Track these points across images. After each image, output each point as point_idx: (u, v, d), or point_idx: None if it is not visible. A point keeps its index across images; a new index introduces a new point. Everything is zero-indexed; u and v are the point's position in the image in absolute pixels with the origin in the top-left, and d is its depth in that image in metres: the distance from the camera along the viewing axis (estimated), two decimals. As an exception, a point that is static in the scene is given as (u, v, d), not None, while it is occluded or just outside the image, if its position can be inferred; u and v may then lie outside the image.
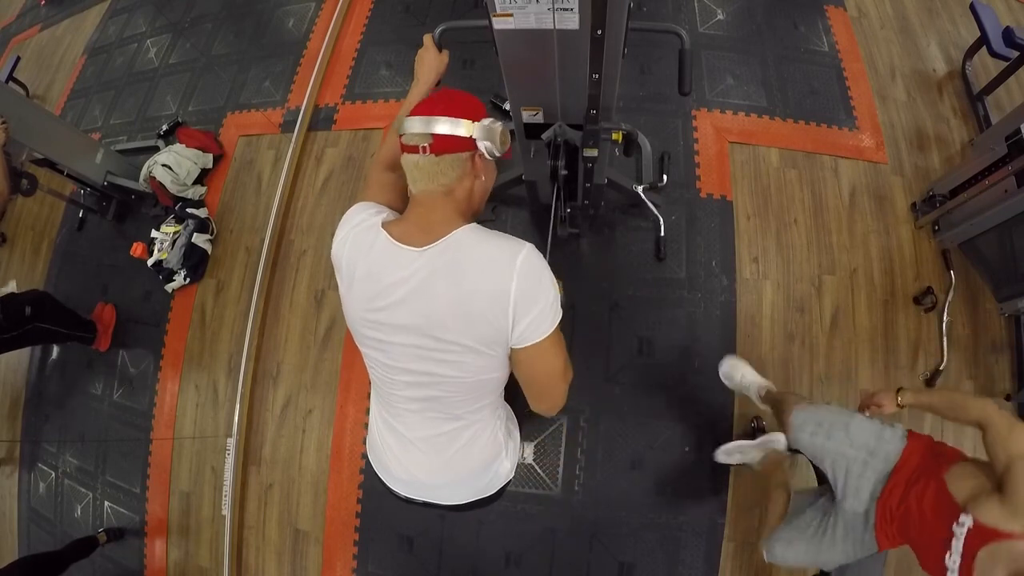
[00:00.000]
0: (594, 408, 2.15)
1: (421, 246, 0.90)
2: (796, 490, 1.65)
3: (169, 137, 3.14)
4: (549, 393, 1.01)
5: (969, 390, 2.13)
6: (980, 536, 1.05)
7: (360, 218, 1.00)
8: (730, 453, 1.83)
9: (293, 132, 2.83)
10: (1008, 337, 2.18)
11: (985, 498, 1.09)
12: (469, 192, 0.96)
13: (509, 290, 0.86)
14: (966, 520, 1.09)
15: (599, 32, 1.07)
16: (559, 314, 0.93)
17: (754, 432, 2.00)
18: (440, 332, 0.90)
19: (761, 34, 2.77)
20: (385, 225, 0.95)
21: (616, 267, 2.32)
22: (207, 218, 2.80)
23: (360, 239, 0.97)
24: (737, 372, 1.97)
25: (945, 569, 1.10)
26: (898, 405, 1.39)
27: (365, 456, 2.26)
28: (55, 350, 2.97)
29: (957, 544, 1.09)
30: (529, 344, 0.91)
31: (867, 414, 1.44)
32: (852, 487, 1.35)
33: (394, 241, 0.92)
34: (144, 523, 2.53)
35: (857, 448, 1.35)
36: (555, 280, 0.94)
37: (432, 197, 0.92)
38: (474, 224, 0.94)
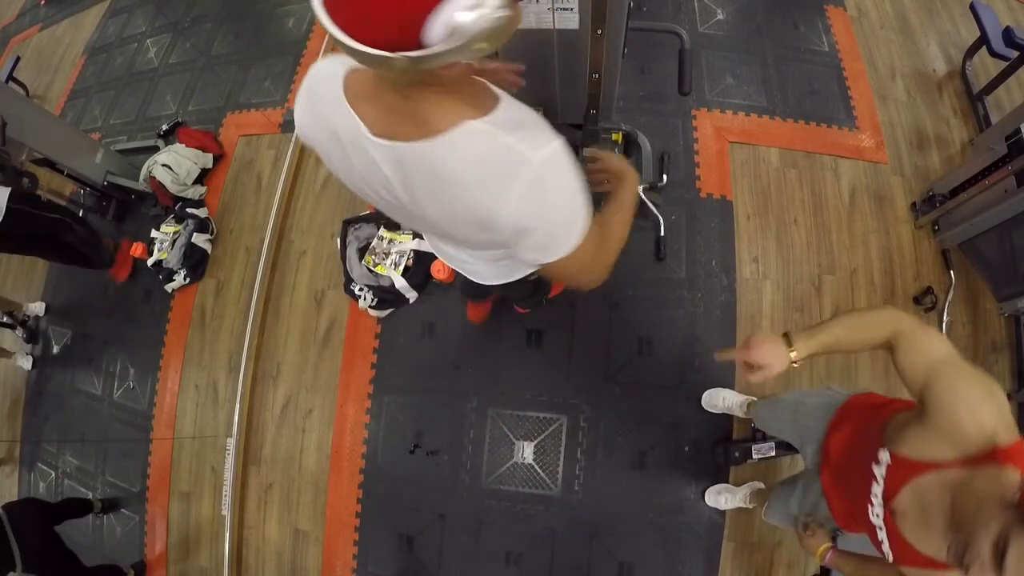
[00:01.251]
0: (594, 408, 2.15)
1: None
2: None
3: (169, 137, 3.13)
4: (588, 277, 0.88)
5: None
6: (900, 472, 0.86)
7: None
8: (719, 493, 1.98)
9: (293, 132, 2.83)
10: (1008, 337, 2.18)
11: (904, 427, 0.89)
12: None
13: (501, 214, 0.69)
14: (884, 456, 0.88)
15: (599, 32, 1.07)
16: (580, 222, 0.74)
17: (754, 433, 1.99)
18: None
19: (761, 34, 2.77)
20: None
21: (616, 267, 2.31)
22: (207, 218, 2.80)
23: None
24: (718, 398, 2.04)
25: (874, 528, 0.90)
26: (793, 362, 0.99)
27: (365, 456, 2.26)
28: (55, 348, 2.97)
29: (877, 489, 0.89)
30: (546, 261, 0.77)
31: (747, 379, 1.06)
32: (808, 451, 1.31)
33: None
34: (144, 523, 2.53)
35: (812, 413, 1.32)
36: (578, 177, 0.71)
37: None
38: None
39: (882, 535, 0.89)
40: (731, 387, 2.09)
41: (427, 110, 0.66)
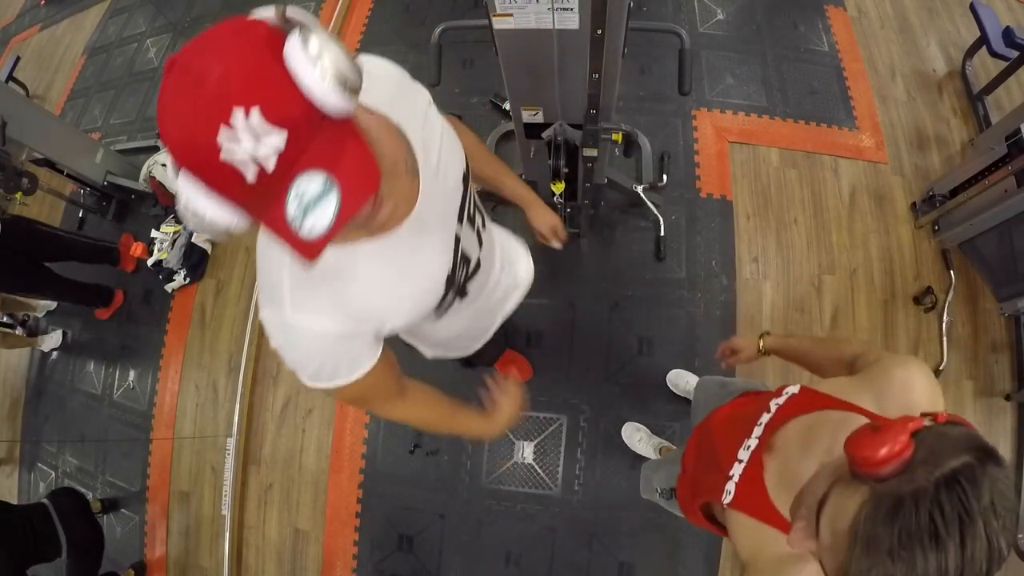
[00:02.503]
0: (594, 408, 2.14)
1: None
2: None
3: (169, 137, 3.13)
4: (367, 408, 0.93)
5: (969, 390, 2.13)
6: (804, 402, 0.80)
7: None
8: (636, 430, 2.06)
9: (293, 132, 2.83)
10: (1008, 337, 2.18)
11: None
12: None
13: None
14: (792, 388, 0.85)
15: (599, 32, 1.07)
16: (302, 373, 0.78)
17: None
18: None
19: (761, 34, 2.77)
20: None
21: (616, 267, 2.32)
22: (207, 218, 2.80)
23: None
24: (682, 380, 2.08)
25: (724, 479, 0.82)
26: (760, 351, 1.17)
27: (365, 456, 2.26)
28: (54, 352, 2.97)
29: (765, 418, 0.83)
30: None
31: (724, 364, 1.28)
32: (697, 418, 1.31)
33: None
34: (144, 523, 2.53)
35: (732, 392, 1.31)
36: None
37: None
38: None
39: (733, 475, 0.81)
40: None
41: None
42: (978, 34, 2.48)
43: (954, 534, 0.44)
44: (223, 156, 0.41)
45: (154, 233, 2.80)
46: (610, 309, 2.25)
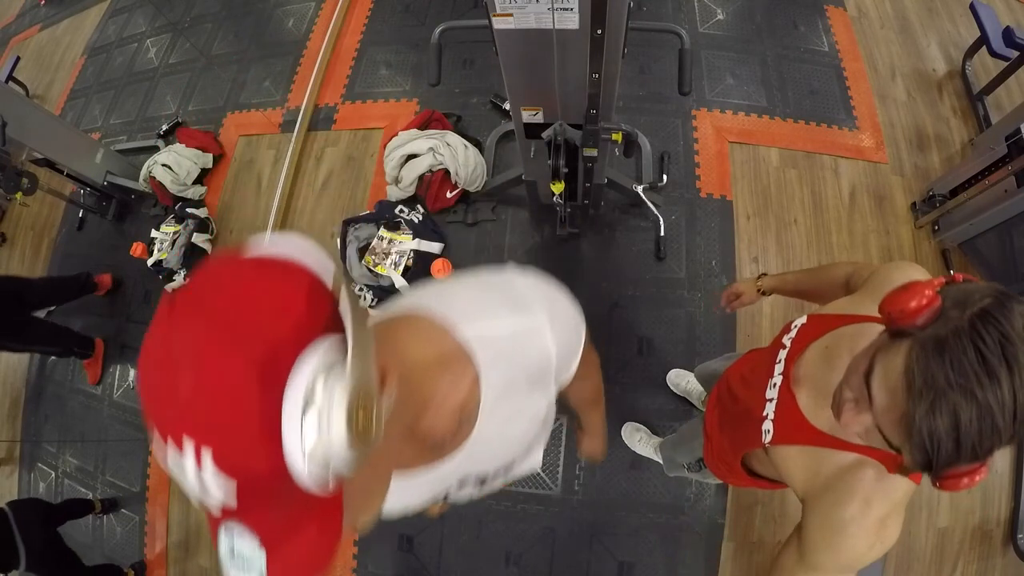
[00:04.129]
0: (594, 408, 2.14)
1: None
2: None
3: (169, 137, 3.14)
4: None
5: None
6: (815, 327, 0.83)
7: None
8: (636, 430, 2.07)
9: (293, 132, 2.83)
10: (1008, 337, 2.18)
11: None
12: None
13: None
14: (799, 320, 0.87)
15: (599, 32, 1.07)
16: None
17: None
18: None
19: (761, 34, 2.77)
20: None
21: (616, 267, 2.32)
22: (207, 218, 2.80)
23: None
24: (683, 380, 2.09)
25: (759, 426, 0.82)
26: (759, 291, 1.23)
27: (365, 456, 2.26)
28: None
29: (783, 354, 0.85)
30: None
31: (728, 309, 1.33)
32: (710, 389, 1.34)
33: None
34: (144, 523, 2.53)
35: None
36: None
37: None
38: None
39: (767, 415, 0.82)
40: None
41: None
42: (978, 34, 2.48)
43: (1000, 359, 0.47)
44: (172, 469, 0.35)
45: (154, 233, 2.80)
46: (610, 309, 2.25)
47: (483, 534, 2.10)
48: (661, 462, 1.91)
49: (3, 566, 2.03)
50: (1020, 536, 1.99)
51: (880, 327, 0.63)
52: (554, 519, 2.07)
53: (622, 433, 2.09)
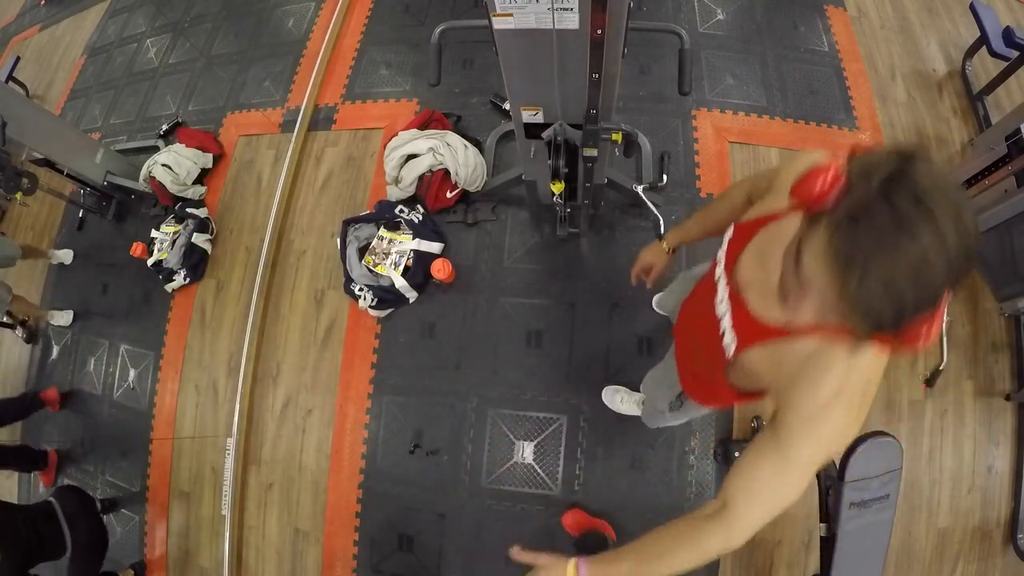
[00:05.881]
0: (594, 408, 2.14)
1: None
2: None
3: (169, 137, 3.14)
4: None
5: (968, 390, 2.13)
6: (742, 235, 0.86)
7: None
8: (615, 392, 2.08)
9: (293, 132, 2.83)
10: (1008, 337, 2.18)
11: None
12: None
13: None
14: (728, 232, 0.90)
15: (599, 32, 1.07)
16: None
17: (754, 433, 1.99)
18: None
19: (761, 34, 2.77)
20: None
21: (616, 267, 2.32)
22: (207, 218, 2.80)
23: None
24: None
25: (717, 332, 0.86)
26: (668, 252, 1.30)
27: (365, 456, 2.26)
28: (55, 350, 2.97)
29: (720, 258, 0.88)
30: None
31: (649, 285, 1.38)
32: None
33: None
34: (144, 523, 2.53)
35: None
36: None
37: None
38: None
39: (724, 329, 0.85)
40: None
41: None
42: (978, 34, 2.48)
43: (916, 216, 0.49)
44: None
45: (154, 233, 2.80)
46: (610, 309, 2.25)
47: (483, 534, 2.10)
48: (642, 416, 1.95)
49: (51, 555, 2.09)
50: (1020, 536, 1.99)
51: (798, 216, 0.66)
52: (554, 519, 2.07)
53: (603, 398, 2.11)
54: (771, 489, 0.73)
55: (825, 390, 0.69)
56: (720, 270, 0.88)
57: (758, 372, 0.80)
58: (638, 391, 2.04)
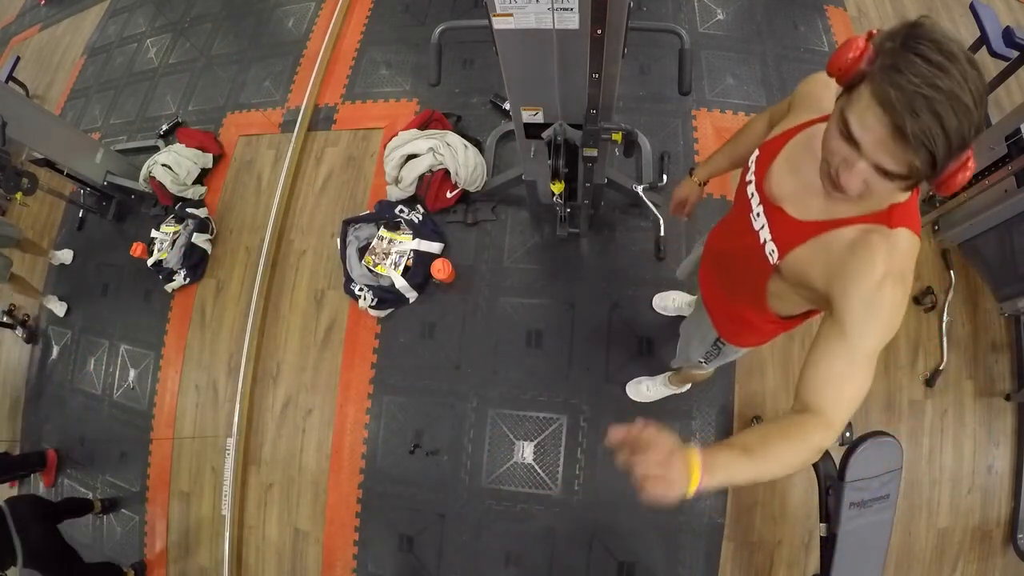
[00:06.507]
0: (594, 408, 2.14)
1: None
2: None
3: (169, 137, 3.14)
4: None
5: (968, 390, 2.13)
6: (769, 150, 0.91)
7: None
8: (638, 383, 2.10)
9: (293, 132, 2.83)
10: (1008, 337, 2.18)
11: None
12: None
13: None
14: (753, 154, 0.96)
15: (599, 32, 1.07)
16: None
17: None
18: None
19: (761, 34, 2.77)
20: None
21: (616, 267, 2.32)
22: (207, 218, 2.80)
23: None
24: (668, 300, 2.17)
25: (761, 247, 0.90)
26: (699, 184, 1.42)
27: (365, 456, 2.26)
28: (55, 350, 2.97)
29: (751, 176, 0.94)
30: None
31: (684, 217, 1.52)
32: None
33: None
34: (144, 523, 2.53)
35: None
36: None
37: None
38: None
39: (764, 233, 0.89)
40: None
41: None
42: (978, 34, 2.48)
43: (941, 56, 0.58)
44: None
45: (154, 233, 2.80)
46: (610, 309, 2.25)
47: (483, 534, 2.10)
48: (677, 391, 2.03)
49: (1, 562, 2.04)
50: (1020, 536, 1.99)
51: (822, 125, 0.74)
52: (554, 519, 2.07)
53: (628, 394, 2.11)
54: (851, 382, 0.76)
55: (876, 271, 0.73)
56: (751, 189, 0.93)
57: (805, 272, 0.83)
58: (657, 375, 2.07)
